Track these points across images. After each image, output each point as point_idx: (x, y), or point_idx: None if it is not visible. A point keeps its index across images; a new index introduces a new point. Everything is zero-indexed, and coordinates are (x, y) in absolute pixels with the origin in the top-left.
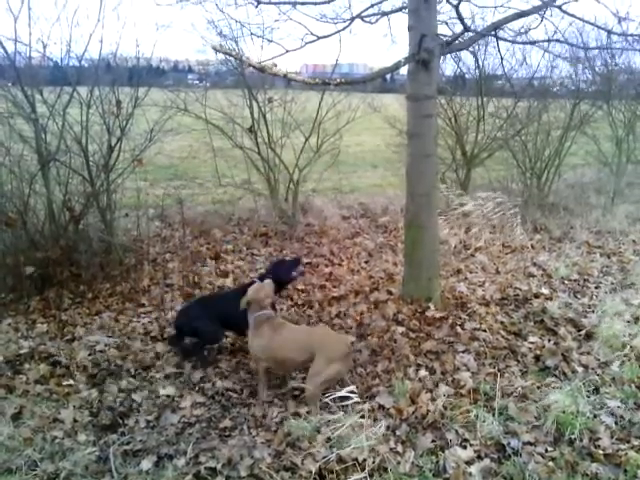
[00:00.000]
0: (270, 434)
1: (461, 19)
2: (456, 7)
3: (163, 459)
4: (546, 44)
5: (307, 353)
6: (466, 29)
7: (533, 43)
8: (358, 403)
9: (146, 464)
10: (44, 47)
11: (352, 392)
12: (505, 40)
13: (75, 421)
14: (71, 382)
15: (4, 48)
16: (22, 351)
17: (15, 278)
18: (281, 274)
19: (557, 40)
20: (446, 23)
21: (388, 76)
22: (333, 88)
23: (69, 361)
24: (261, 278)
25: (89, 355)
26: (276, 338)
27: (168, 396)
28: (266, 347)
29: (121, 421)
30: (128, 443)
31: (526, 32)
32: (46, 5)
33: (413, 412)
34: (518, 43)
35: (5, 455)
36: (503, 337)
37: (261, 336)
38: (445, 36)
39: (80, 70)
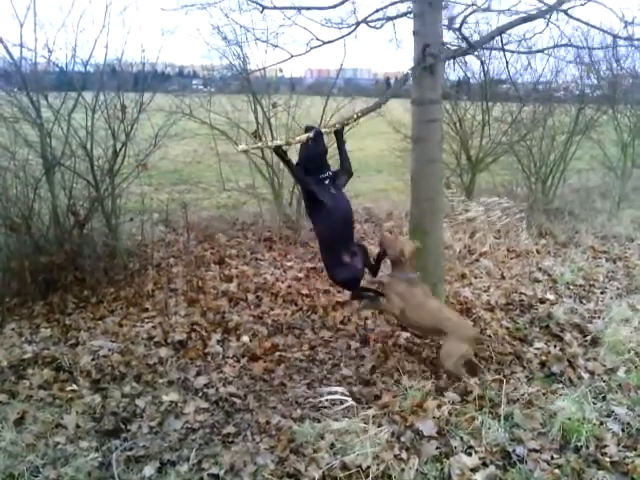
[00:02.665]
0: (274, 440)
1: (465, 38)
2: (459, 29)
3: (166, 465)
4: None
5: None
6: (470, 46)
7: (540, 51)
8: (354, 407)
9: (149, 470)
10: (49, 52)
11: (344, 394)
12: (511, 52)
13: (78, 427)
14: (74, 387)
15: (10, 54)
16: (26, 356)
17: (19, 282)
18: None
19: (563, 45)
20: (451, 27)
21: (392, 81)
22: (355, 119)
23: (72, 366)
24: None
25: (92, 360)
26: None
27: (171, 402)
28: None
29: (124, 427)
30: (131, 449)
31: (531, 37)
32: (51, 11)
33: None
34: (523, 53)
35: (8, 461)
36: (508, 343)
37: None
38: (450, 44)
39: (85, 75)
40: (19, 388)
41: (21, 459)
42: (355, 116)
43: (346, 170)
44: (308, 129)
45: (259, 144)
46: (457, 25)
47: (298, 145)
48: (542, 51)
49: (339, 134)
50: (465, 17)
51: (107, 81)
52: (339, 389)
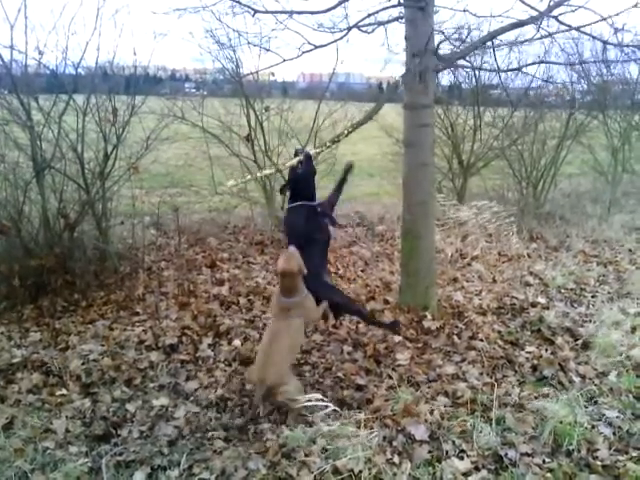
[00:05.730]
0: (265, 445)
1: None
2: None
3: (157, 470)
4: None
5: None
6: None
7: (531, 64)
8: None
9: (139, 475)
10: (40, 55)
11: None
12: (503, 71)
13: (67, 431)
14: (64, 392)
15: (0, 56)
16: (15, 360)
17: (9, 286)
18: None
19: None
20: (443, 33)
21: (384, 85)
22: (345, 135)
23: (62, 370)
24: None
25: (82, 364)
26: None
27: (162, 406)
28: None
29: (114, 431)
30: (121, 454)
31: (522, 42)
32: (43, 13)
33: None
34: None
35: None
36: (500, 346)
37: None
38: (440, 44)
39: (77, 78)
40: (8, 392)
41: (9, 464)
42: (345, 132)
43: (334, 198)
44: (298, 152)
45: (248, 177)
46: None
47: (290, 150)
48: (528, 65)
49: (346, 173)
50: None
51: (98, 84)
52: (317, 395)
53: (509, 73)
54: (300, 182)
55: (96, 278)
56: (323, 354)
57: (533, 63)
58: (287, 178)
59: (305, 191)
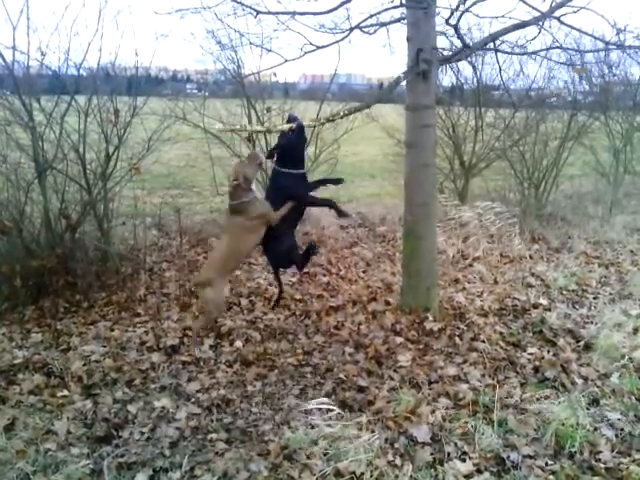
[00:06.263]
0: (267, 447)
1: (460, 37)
2: (455, 26)
3: (158, 472)
4: (544, 53)
5: None
6: (465, 46)
7: (534, 53)
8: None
9: (141, 477)
10: (42, 56)
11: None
12: (505, 52)
13: (69, 433)
14: (65, 393)
15: (2, 57)
16: (16, 361)
17: (10, 287)
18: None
19: (556, 47)
20: (445, 34)
21: (385, 86)
22: (341, 117)
23: (64, 371)
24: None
25: (84, 365)
26: None
27: (163, 408)
28: None
29: (116, 433)
30: (123, 456)
31: (524, 44)
32: (45, 14)
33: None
34: (517, 54)
35: None
36: (502, 348)
37: None
38: (443, 49)
39: (78, 79)
40: (9, 394)
41: (11, 466)
42: (341, 113)
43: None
44: (291, 119)
45: (237, 127)
46: (453, 22)
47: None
48: (535, 53)
49: (332, 181)
50: (461, 14)
51: (100, 85)
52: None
53: (510, 73)
54: (290, 149)
55: (98, 279)
56: (324, 355)
57: (541, 50)
58: (278, 143)
59: (294, 159)
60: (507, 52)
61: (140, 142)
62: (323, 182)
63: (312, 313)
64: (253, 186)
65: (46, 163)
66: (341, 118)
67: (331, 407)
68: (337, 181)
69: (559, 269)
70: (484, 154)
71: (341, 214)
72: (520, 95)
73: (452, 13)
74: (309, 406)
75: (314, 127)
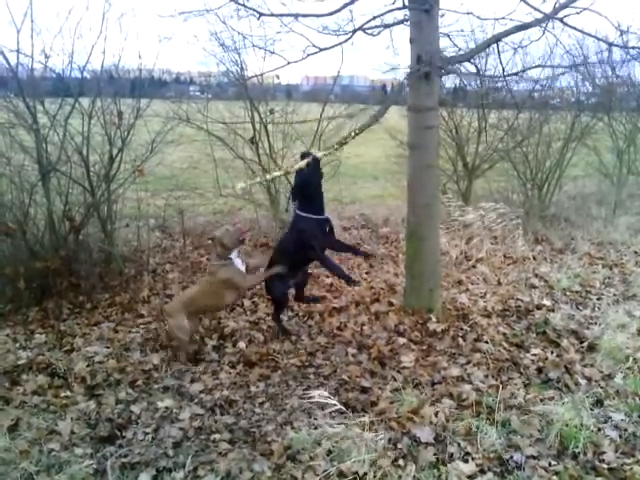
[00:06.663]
0: (270, 447)
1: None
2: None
3: (162, 472)
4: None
5: None
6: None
7: (537, 67)
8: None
9: (144, 477)
10: (46, 58)
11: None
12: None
13: (72, 433)
14: (69, 393)
15: (7, 59)
16: (20, 362)
17: (14, 288)
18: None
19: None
20: (448, 35)
21: (388, 87)
22: (352, 137)
23: (67, 372)
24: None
25: (87, 366)
26: None
27: (167, 408)
28: None
29: (119, 433)
30: (126, 456)
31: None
32: (49, 17)
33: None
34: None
35: (1, 468)
36: (505, 349)
37: None
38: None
39: (82, 81)
40: (13, 394)
41: (15, 466)
42: (352, 134)
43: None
44: (304, 156)
45: (258, 179)
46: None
47: (294, 152)
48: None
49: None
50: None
51: (104, 87)
52: (324, 393)
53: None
54: (307, 186)
55: (101, 280)
56: (328, 356)
57: (538, 66)
58: (294, 182)
59: (313, 195)
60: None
61: (143, 144)
62: (349, 249)
63: (315, 314)
64: (233, 254)
65: (50, 165)
66: (353, 138)
67: (331, 402)
68: (366, 256)
69: (563, 270)
70: (487, 155)
71: (367, 257)
72: (523, 96)
73: None
74: (310, 395)
75: (328, 154)
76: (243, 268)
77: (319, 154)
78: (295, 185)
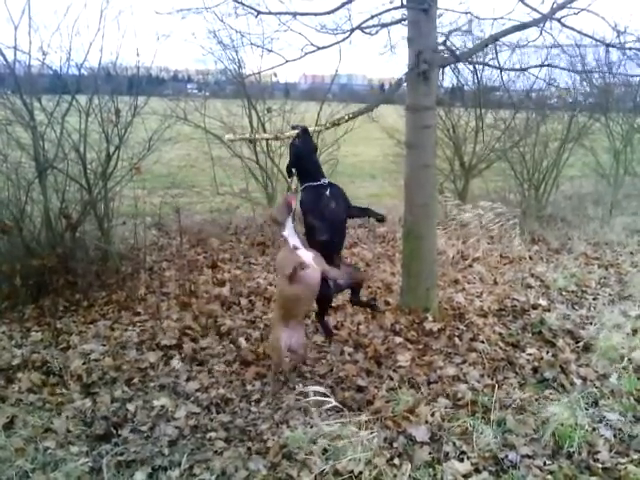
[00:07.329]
0: (265, 445)
1: (451, 51)
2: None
3: (157, 470)
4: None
5: None
6: (457, 59)
7: (535, 67)
8: (340, 410)
9: (140, 476)
10: (44, 55)
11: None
12: (504, 69)
13: (68, 431)
14: (65, 391)
15: (4, 56)
16: (16, 359)
17: (10, 286)
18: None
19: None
20: (445, 35)
21: (386, 87)
22: (346, 120)
23: (63, 370)
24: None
25: (83, 364)
26: None
27: (163, 406)
28: None
29: (115, 431)
30: (122, 454)
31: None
32: (46, 14)
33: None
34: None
35: None
36: (501, 348)
37: None
38: (444, 50)
39: (80, 78)
40: (8, 392)
41: (10, 464)
42: (346, 117)
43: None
44: (294, 128)
45: (247, 135)
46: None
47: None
48: (536, 66)
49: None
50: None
51: (101, 84)
52: (320, 389)
53: (511, 75)
54: (301, 158)
55: (98, 278)
56: (324, 355)
57: (536, 66)
58: (289, 156)
59: (309, 168)
60: (506, 69)
61: (141, 142)
62: (366, 212)
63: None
64: (287, 228)
65: (47, 162)
66: (346, 121)
67: (327, 400)
68: (379, 218)
69: (559, 270)
70: (484, 155)
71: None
72: (521, 96)
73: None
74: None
75: (319, 131)
76: (298, 240)
77: (310, 128)
78: (291, 158)
